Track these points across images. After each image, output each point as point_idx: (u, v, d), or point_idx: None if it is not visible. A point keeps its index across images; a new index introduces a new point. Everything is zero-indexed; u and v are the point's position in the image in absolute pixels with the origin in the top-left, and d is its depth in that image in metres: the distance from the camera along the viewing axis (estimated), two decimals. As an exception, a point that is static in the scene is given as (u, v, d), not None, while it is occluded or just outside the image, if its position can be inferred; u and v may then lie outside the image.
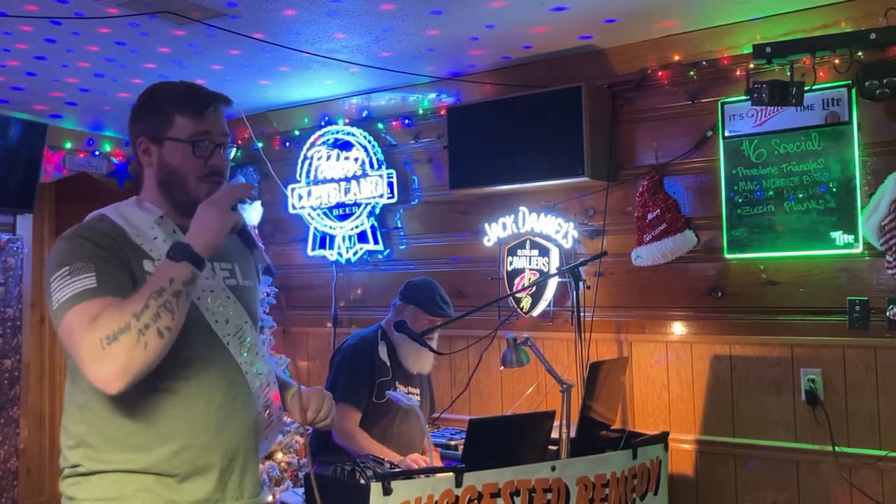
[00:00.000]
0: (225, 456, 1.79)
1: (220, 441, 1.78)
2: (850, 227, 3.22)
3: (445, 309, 3.45)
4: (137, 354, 1.55)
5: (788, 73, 2.99)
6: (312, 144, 4.77)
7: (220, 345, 1.80)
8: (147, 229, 1.78)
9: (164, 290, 1.59)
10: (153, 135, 1.82)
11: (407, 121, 4.46)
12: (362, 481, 2.46)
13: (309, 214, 4.78)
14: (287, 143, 4.96)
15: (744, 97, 3.21)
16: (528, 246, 4.00)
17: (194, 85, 1.89)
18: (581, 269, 3.52)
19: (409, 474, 2.48)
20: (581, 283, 3.54)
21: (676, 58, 3.61)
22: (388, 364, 3.43)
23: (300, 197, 4.80)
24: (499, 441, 2.69)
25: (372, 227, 4.55)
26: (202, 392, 1.76)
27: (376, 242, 4.54)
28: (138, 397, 1.67)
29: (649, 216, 3.64)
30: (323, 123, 4.77)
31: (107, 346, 1.53)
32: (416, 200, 4.51)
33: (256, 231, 4.82)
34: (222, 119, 1.86)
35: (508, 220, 4.03)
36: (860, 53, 3.15)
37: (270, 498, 4.12)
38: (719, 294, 3.55)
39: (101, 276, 1.63)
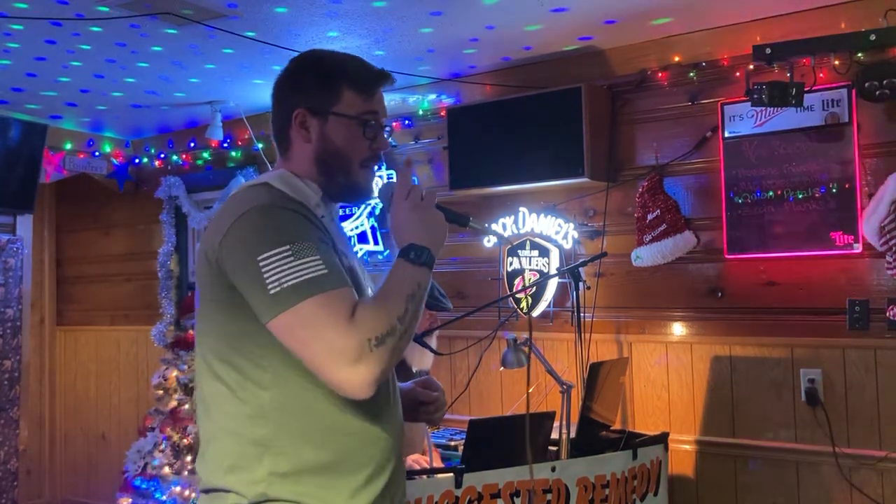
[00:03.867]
0: (398, 456, 1.66)
1: (395, 441, 1.65)
2: (850, 228, 3.22)
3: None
4: (394, 360, 1.45)
5: (788, 75, 2.99)
6: (312, 145, 4.76)
7: None
8: (314, 206, 1.61)
9: (415, 294, 1.49)
10: (316, 107, 1.64)
11: (407, 122, 4.46)
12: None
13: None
14: (287, 144, 4.95)
15: (744, 98, 3.21)
16: (528, 246, 4.00)
17: (361, 59, 1.74)
18: (581, 269, 3.52)
19: (409, 475, 2.48)
20: (581, 284, 3.54)
21: (676, 59, 3.61)
22: None
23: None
24: (499, 441, 2.69)
25: (372, 227, 4.55)
26: (383, 388, 1.59)
27: (376, 243, 4.54)
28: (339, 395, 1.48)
29: (649, 217, 3.64)
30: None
31: (374, 348, 1.39)
32: (416, 201, 4.50)
33: None
34: (384, 99, 1.73)
35: (508, 220, 4.03)
36: (860, 55, 3.15)
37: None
38: (719, 294, 3.55)
39: (326, 261, 1.44)
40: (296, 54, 1.79)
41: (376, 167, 1.73)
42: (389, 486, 1.61)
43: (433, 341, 3.46)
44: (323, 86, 1.65)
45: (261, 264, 1.42)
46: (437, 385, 1.88)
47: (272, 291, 1.41)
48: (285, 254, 1.42)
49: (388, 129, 1.74)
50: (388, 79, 1.72)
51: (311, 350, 1.41)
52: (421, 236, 1.56)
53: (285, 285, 1.40)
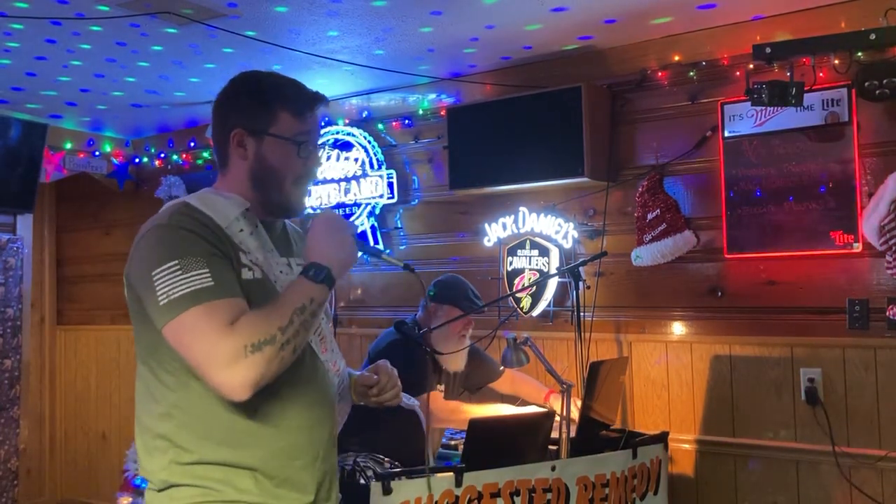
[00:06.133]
0: (317, 457, 1.76)
1: (312, 442, 1.75)
2: (850, 227, 3.22)
3: (479, 304, 3.48)
4: (274, 368, 1.54)
5: (788, 74, 2.99)
6: (312, 145, 4.76)
7: (308, 345, 1.76)
8: (233, 220, 1.71)
9: (305, 308, 1.59)
10: (253, 127, 1.75)
11: (407, 121, 4.46)
12: (362, 481, 2.47)
13: (309, 215, 4.78)
14: (287, 144, 4.95)
15: (744, 98, 3.21)
16: (528, 246, 4.00)
17: (297, 82, 1.83)
18: (581, 269, 3.52)
19: (409, 474, 2.48)
20: (581, 284, 3.54)
21: (676, 58, 3.62)
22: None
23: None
24: (499, 441, 2.69)
25: (372, 227, 4.55)
26: (296, 391, 1.71)
27: (376, 242, 4.54)
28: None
29: (649, 216, 3.64)
30: (323, 124, 4.76)
31: (249, 354, 1.51)
32: (416, 201, 4.51)
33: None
34: (319, 120, 1.84)
35: (508, 220, 4.03)
36: (860, 54, 3.15)
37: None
38: (719, 294, 3.55)
39: (215, 274, 1.58)
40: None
41: (309, 185, 1.84)
42: (300, 486, 1.72)
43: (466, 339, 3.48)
44: (259, 107, 1.76)
45: (154, 278, 1.57)
46: (384, 369, 1.98)
47: (162, 302, 1.56)
48: (174, 268, 1.57)
49: (321, 148, 1.84)
50: (322, 101, 1.83)
51: (193, 354, 1.55)
52: (326, 257, 1.66)
53: (173, 296, 1.55)
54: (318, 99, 1.81)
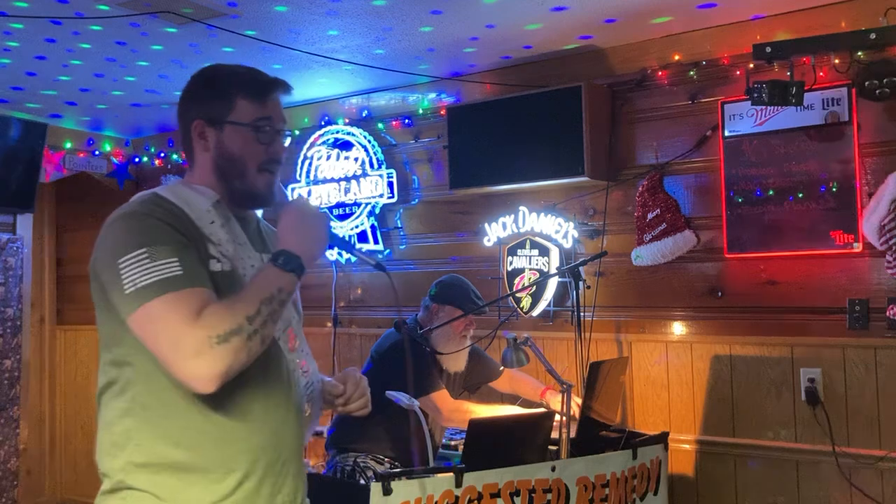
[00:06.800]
0: (278, 459, 1.70)
1: (276, 444, 1.70)
2: (850, 227, 3.22)
3: (481, 304, 3.47)
4: (241, 358, 1.50)
5: (788, 73, 2.99)
6: (312, 144, 4.77)
7: (274, 342, 1.70)
8: (203, 212, 1.69)
9: (274, 298, 1.55)
10: (212, 118, 1.74)
11: (407, 120, 4.46)
12: (362, 481, 2.46)
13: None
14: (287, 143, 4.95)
15: (744, 97, 3.21)
16: (528, 246, 4.00)
17: (255, 69, 1.82)
18: (581, 269, 3.52)
19: (409, 474, 2.48)
20: (581, 283, 3.54)
21: (676, 57, 3.61)
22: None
23: (300, 197, 4.80)
24: (499, 441, 2.69)
25: (372, 226, 4.55)
26: (259, 392, 1.66)
27: (376, 242, 4.54)
28: (202, 395, 1.56)
29: (649, 216, 3.64)
30: (323, 123, 4.77)
31: (216, 344, 1.47)
32: (416, 200, 4.51)
33: None
34: (281, 106, 1.80)
35: (508, 219, 4.03)
36: (860, 53, 3.15)
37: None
38: (719, 294, 3.55)
39: (184, 264, 1.54)
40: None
41: (275, 171, 1.78)
42: (261, 490, 1.67)
43: (466, 339, 3.48)
44: (217, 96, 1.75)
45: (120, 266, 1.53)
46: (352, 377, 1.90)
47: (127, 291, 1.52)
48: (142, 256, 1.53)
49: (285, 133, 1.80)
50: (282, 85, 1.80)
51: (158, 344, 1.51)
52: (297, 245, 1.63)
53: (139, 285, 1.51)
54: (276, 83, 1.79)
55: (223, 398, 1.59)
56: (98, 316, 1.65)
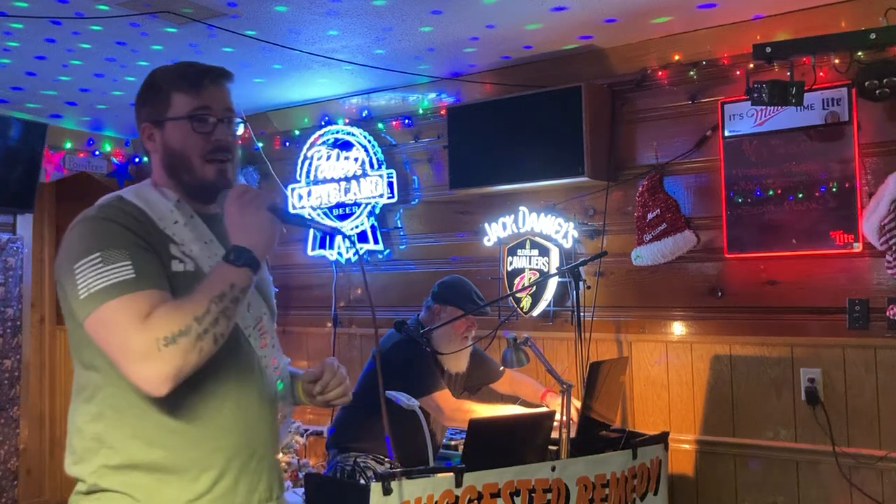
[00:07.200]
0: (253, 456, 1.71)
1: (250, 441, 1.70)
2: (850, 227, 3.22)
3: (482, 305, 3.46)
4: (192, 359, 1.49)
5: (788, 73, 2.99)
6: (312, 144, 4.77)
7: (243, 338, 1.73)
8: (167, 212, 1.69)
9: (225, 295, 1.54)
10: (154, 118, 1.74)
11: (407, 121, 4.46)
12: (362, 481, 2.46)
13: (309, 214, 4.78)
14: (287, 143, 4.96)
15: (744, 97, 3.21)
16: (528, 246, 4.00)
17: (191, 62, 1.81)
18: (581, 269, 3.52)
19: (409, 474, 2.48)
20: (581, 283, 3.54)
21: (676, 57, 3.61)
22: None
23: (300, 197, 4.80)
24: (499, 441, 2.69)
25: (372, 226, 4.55)
26: (231, 390, 1.67)
27: (376, 242, 4.54)
28: (172, 395, 1.55)
29: (649, 216, 3.64)
30: (323, 123, 4.77)
31: (163, 347, 1.46)
32: (416, 200, 4.51)
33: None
34: (224, 93, 1.78)
35: (508, 219, 4.03)
36: (860, 53, 3.15)
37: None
38: (719, 293, 3.55)
39: (137, 266, 1.54)
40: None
41: (225, 159, 1.75)
42: (237, 487, 1.68)
43: (468, 340, 3.47)
44: (155, 96, 1.76)
45: (75, 271, 1.54)
46: (329, 366, 1.88)
47: (82, 296, 1.52)
48: (95, 261, 1.53)
49: (230, 120, 1.78)
50: (218, 72, 1.78)
51: (110, 348, 1.51)
52: (245, 238, 1.61)
53: (93, 290, 1.52)
54: (207, 71, 1.77)
55: (195, 397, 1.61)
56: (66, 321, 1.65)
